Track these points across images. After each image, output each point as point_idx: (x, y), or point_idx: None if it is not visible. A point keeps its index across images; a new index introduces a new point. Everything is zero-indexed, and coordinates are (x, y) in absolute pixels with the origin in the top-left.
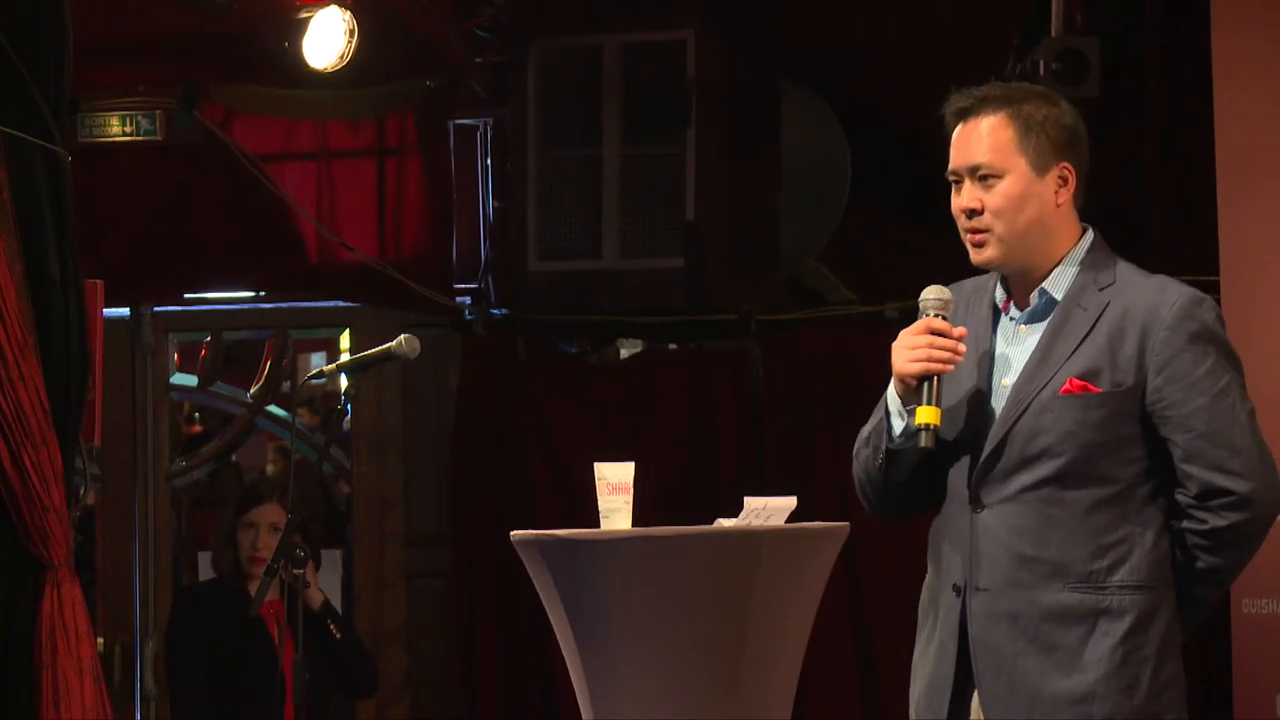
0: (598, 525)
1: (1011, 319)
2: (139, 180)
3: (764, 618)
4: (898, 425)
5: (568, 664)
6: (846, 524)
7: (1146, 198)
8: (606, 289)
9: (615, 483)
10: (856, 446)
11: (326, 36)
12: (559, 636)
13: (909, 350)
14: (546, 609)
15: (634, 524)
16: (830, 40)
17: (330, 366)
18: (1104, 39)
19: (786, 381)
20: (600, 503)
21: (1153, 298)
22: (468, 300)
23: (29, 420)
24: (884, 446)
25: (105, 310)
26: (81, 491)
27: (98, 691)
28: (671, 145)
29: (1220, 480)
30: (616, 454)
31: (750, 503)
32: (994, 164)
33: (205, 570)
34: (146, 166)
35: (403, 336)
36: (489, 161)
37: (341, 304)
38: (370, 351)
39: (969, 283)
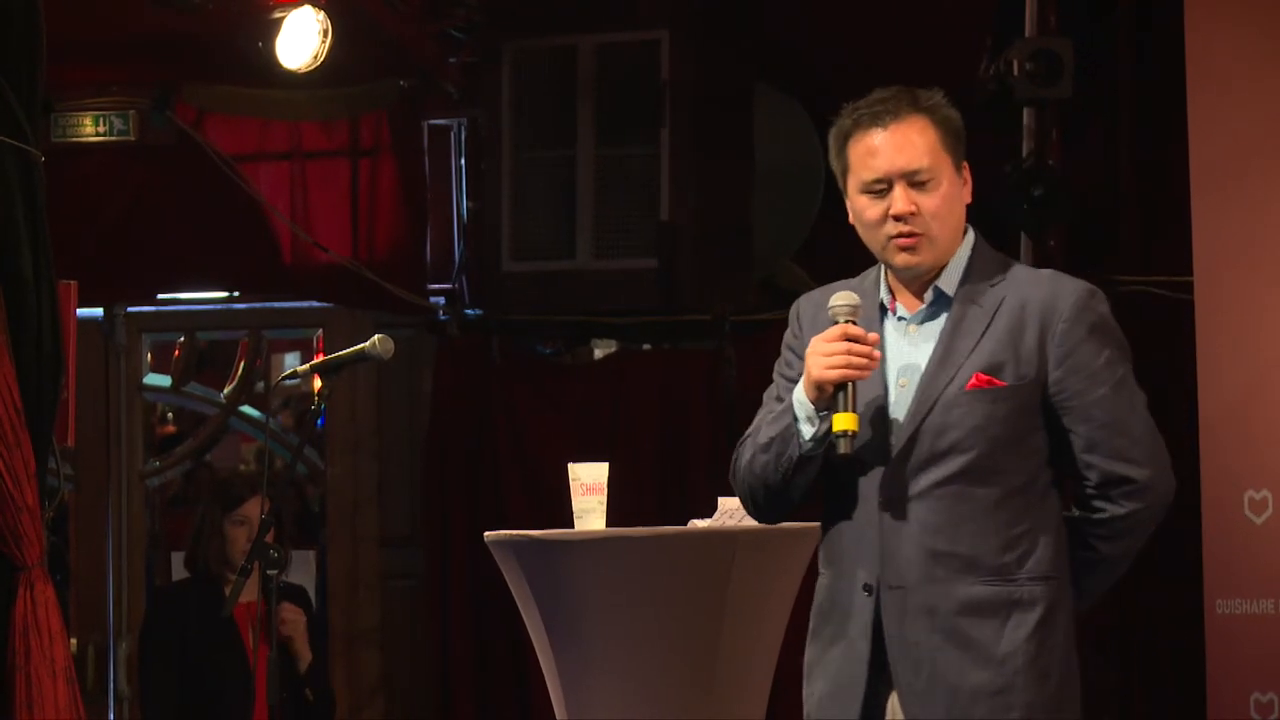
0: (572, 526)
1: (901, 319)
2: (112, 180)
3: (738, 618)
4: (808, 431)
5: (542, 665)
6: (820, 524)
7: (1120, 198)
8: (580, 289)
9: (589, 483)
10: (751, 454)
11: (300, 37)
12: (533, 637)
13: (826, 357)
14: (521, 610)
15: (608, 524)
16: (804, 41)
17: (304, 367)
18: (1077, 39)
19: (760, 382)
20: (574, 503)
21: (1048, 290)
22: (442, 301)
23: (1, 421)
24: (794, 454)
25: (78, 310)
26: (55, 492)
27: (71, 693)
28: (645, 145)
29: (1121, 469)
30: (590, 454)
31: (724, 503)
32: (930, 167)
33: (179, 570)
34: (120, 167)
35: (376, 337)
36: (463, 162)
37: (315, 304)
38: (344, 352)
39: (841, 286)
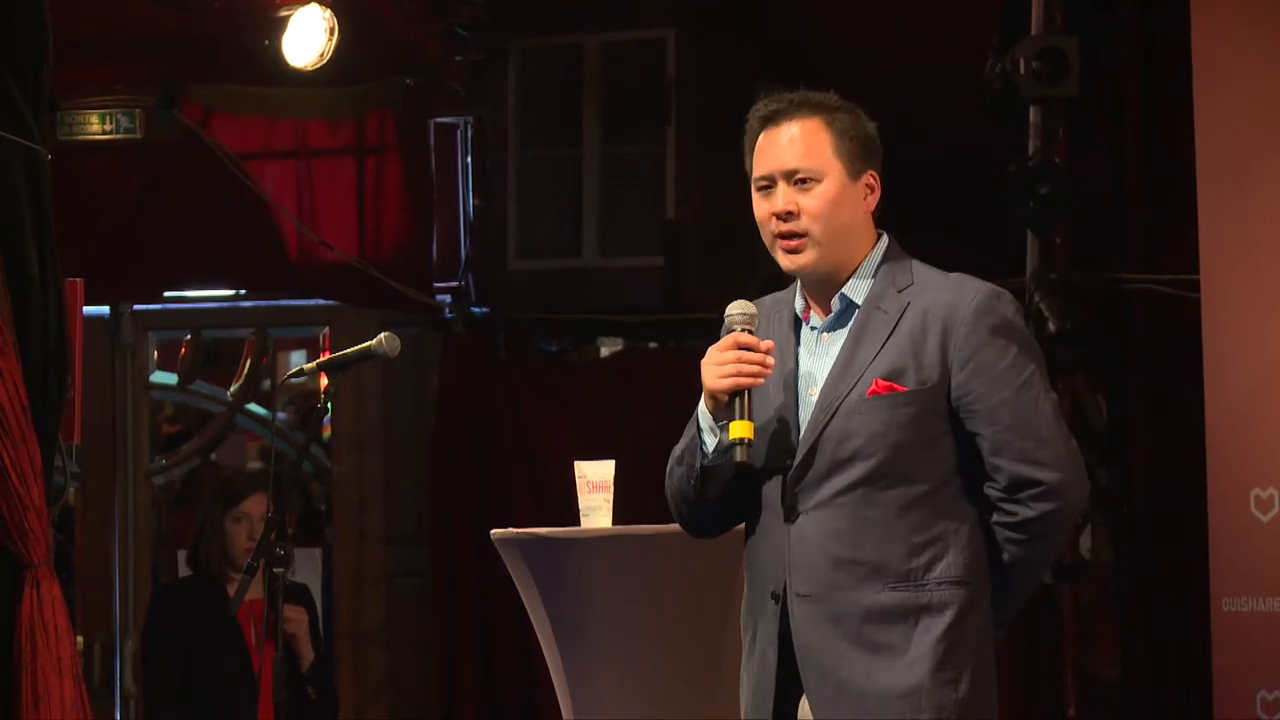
0: (578, 524)
1: (813, 329)
2: (118, 178)
3: None
4: (710, 442)
5: (548, 663)
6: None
7: (1126, 196)
8: (586, 287)
9: (595, 481)
10: (670, 466)
11: (307, 35)
12: (539, 636)
13: (718, 367)
14: (526, 608)
15: (614, 522)
16: (809, 40)
17: (310, 365)
18: (1083, 37)
19: None
20: (580, 501)
21: (951, 295)
22: (447, 299)
23: (8, 418)
24: (698, 464)
25: (84, 308)
26: (61, 489)
27: (77, 690)
28: (651, 144)
29: (1028, 471)
30: (597, 452)
31: None
32: (813, 167)
33: (185, 569)
34: (126, 165)
35: (382, 335)
36: (469, 160)
37: (321, 302)
38: (350, 350)
39: (768, 299)
